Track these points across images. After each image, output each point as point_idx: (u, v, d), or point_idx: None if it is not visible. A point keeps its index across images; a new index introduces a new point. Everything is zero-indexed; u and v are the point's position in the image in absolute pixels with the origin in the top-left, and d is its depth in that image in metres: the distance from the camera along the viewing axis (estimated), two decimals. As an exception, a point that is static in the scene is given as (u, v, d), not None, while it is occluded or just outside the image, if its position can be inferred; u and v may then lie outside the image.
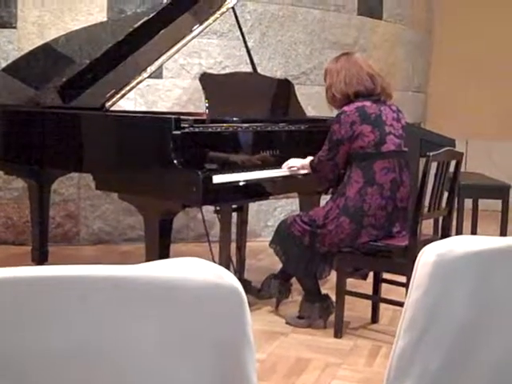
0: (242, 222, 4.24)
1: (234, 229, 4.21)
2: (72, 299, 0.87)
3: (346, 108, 3.38)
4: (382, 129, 3.36)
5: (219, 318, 0.91)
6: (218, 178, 3.22)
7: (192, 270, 0.91)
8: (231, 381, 0.93)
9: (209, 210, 4.19)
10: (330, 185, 3.70)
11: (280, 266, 3.74)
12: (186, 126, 3.27)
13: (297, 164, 3.61)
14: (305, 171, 3.59)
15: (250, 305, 0.96)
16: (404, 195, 3.40)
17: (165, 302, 0.89)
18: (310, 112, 4.99)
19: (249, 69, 4.39)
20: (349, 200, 3.33)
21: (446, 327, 1.03)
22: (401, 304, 3.31)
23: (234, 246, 4.21)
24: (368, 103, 3.38)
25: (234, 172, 3.41)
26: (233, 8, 4.06)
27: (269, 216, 5.77)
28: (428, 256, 1.04)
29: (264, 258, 4.91)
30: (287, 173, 3.62)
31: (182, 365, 0.90)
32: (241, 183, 3.39)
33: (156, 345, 0.89)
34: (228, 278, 0.91)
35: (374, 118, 3.35)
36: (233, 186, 3.35)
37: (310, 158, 3.56)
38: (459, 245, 1.04)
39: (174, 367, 0.90)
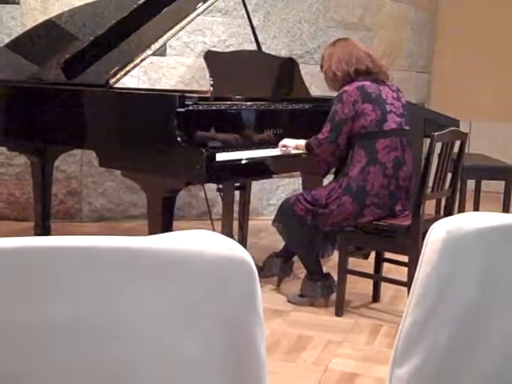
0: (245, 201, 4.24)
1: (236, 207, 4.21)
2: (81, 270, 0.87)
3: (346, 87, 3.38)
4: (383, 107, 3.36)
5: (230, 291, 0.91)
6: (221, 156, 3.22)
7: (204, 242, 0.92)
8: (241, 353, 0.93)
9: (211, 188, 4.20)
10: (329, 168, 3.68)
11: (282, 244, 3.75)
12: (191, 103, 3.26)
13: (291, 144, 3.59)
14: (298, 151, 3.57)
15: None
16: (406, 174, 3.40)
17: (175, 273, 0.89)
18: (314, 91, 4.97)
19: (253, 47, 4.37)
20: (351, 180, 3.33)
21: (455, 303, 1.04)
22: (402, 283, 3.33)
23: (236, 224, 4.22)
24: (367, 82, 3.39)
25: (237, 150, 3.41)
26: (238, -15, 4.04)
27: (271, 195, 5.78)
28: (438, 232, 1.04)
29: (266, 236, 4.92)
30: (279, 153, 3.60)
31: (192, 337, 0.90)
32: (244, 161, 3.38)
33: (165, 316, 0.89)
34: (239, 251, 0.92)
35: (374, 97, 3.35)
36: (236, 164, 3.35)
37: (303, 140, 3.53)
38: (469, 221, 1.04)
39: (184, 339, 0.90)
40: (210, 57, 3.65)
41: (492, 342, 1.06)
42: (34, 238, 0.86)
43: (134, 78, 5.09)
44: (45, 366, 0.87)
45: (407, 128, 3.46)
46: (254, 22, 4.44)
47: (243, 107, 3.62)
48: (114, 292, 0.88)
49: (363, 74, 3.42)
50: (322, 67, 3.60)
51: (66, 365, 0.88)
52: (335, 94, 3.52)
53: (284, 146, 3.59)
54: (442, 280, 1.04)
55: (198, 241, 0.92)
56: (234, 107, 3.58)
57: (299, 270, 3.79)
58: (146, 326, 0.89)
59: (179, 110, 3.19)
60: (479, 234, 1.04)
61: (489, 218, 1.06)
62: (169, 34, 3.72)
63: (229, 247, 0.92)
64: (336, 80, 3.48)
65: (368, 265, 3.74)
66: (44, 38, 4.34)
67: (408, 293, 2.92)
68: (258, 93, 3.86)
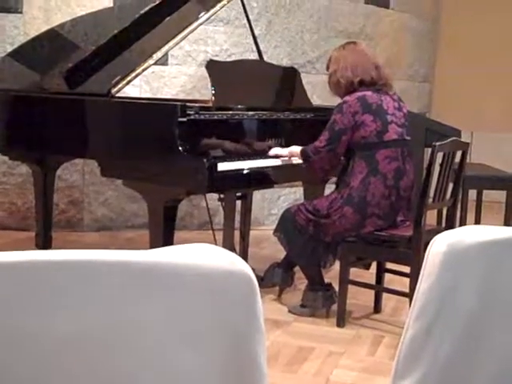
0: (246, 210, 4.24)
1: (237, 217, 4.21)
2: (83, 284, 0.87)
3: (347, 98, 3.37)
4: (384, 118, 3.36)
5: (231, 305, 0.91)
6: (222, 166, 3.22)
7: (204, 256, 0.91)
8: (242, 367, 0.93)
9: (212, 197, 4.19)
10: (325, 176, 3.67)
11: (283, 254, 3.75)
12: (192, 113, 3.26)
13: (283, 152, 3.59)
14: (296, 160, 3.57)
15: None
16: (407, 184, 3.39)
17: (176, 287, 0.89)
18: (315, 101, 4.98)
19: (255, 56, 4.38)
20: (353, 190, 3.33)
21: (456, 316, 1.04)
22: (404, 294, 3.32)
23: (237, 234, 4.21)
24: (369, 93, 3.38)
25: (238, 160, 3.41)
26: (240, -5, 4.05)
27: (272, 204, 5.78)
28: (439, 246, 1.04)
29: (267, 246, 4.92)
30: (280, 162, 3.59)
31: (193, 349, 0.90)
32: (245, 171, 3.39)
33: (166, 330, 0.89)
34: (240, 265, 0.91)
35: (375, 108, 3.35)
36: (237, 173, 3.35)
37: (297, 147, 3.53)
38: (470, 235, 1.04)
39: (185, 353, 0.90)
40: (212, 66, 3.66)
41: (493, 354, 1.05)
42: (37, 252, 0.86)
43: (136, 87, 5.10)
44: (48, 377, 0.87)
45: (408, 138, 3.46)
46: (256, 32, 4.45)
47: (245, 117, 3.62)
48: (116, 305, 0.88)
49: (367, 85, 3.41)
50: (328, 68, 3.59)
51: (67, 376, 0.88)
52: (336, 102, 3.52)
53: (276, 156, 3.58)
54: (443, 293, 1.04)
55: (198, 254, 0.92)
56: (236, 117, 3.58)
57: (300, 280, 3.79)
58: (147, 339, 0.89)
59: (181, 119, 3.19)
60: (480, 247, 1.04)
61: (490, 232, 1.06)
62: (171, 43, 3.72)
63: (230, 261, 0.92)
64: (339, 87, 3.48)
65: (369, 275, 3.73)
66: (46, 48, 4.35)
67: (410, 304, 2.92)
68: (260, 102, 3.87)
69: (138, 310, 0.88)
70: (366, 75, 3.42)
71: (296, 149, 3.53)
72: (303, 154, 3.46)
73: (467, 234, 1.04)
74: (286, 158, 3.59)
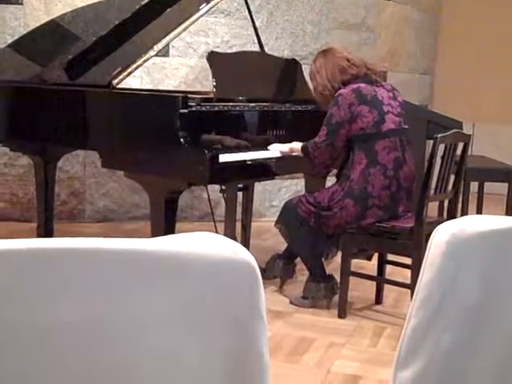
0: (248, 202, 4.24)
1: (238, 208, 4.21)
2: (85, 272, 0.87)
3: (342, 90, 3.37)
4: (380, 108, 3.36)
5: (233, 293, 0.91)
6: (224, 157, 3.22)
7: (207, 244, 0.91)
8: (244, 355, 0.93)
9: (214, 189, 4.19)
10: (327, 170, 3.67)
11: (284, 245, 3.74)
12: (193, 104, 3.26)
13: (284, 149, 3.58)
14: (297, 154, 3.56)
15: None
16: (408, 174, 3.39)
17: (178, 276, 0.89)
18: (317, 92, 4.96)
19: (256, 48, 4.37)
20: (353, 182, 3.33)
21: (458, 306, 1.04)
22: (405, 285, 3.33)
23: (238, 225, 4.21)
24: (363, 85, 3.39)
25: (240, 151, 3.40)
26: (241, -14, 4.04)
27: (274, 196, 5.78)
28: (441, 235, 1.03)
29: (269, 237, 4.92)
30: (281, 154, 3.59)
31: (195, 338, 0.90)
32: (247, 162, 3.38)
33: (169, 318, 0.89)
34: (242, 254, 0.91)
35: (370, 98, 3.35)
36: (239, 165, 3.35)
37: (298, 143, 3.52)
38: (473, 224, 1.04)
39: (187, 341, 0.90)
40: (213, 58, 3.65)
41: (496, 344, 1.05)
42: (40, 240, 0.86)
43: (137, 79, 5.10)
44: (49, 367, 0.87)
45: (406, 127, 3.46)
46: (257, 23, 4.44)
47: (246, 108, 3.62)
48: (118, 294, 0.88)
49: (355, 79, 3.42)
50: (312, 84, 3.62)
51: (69, 365, 0.88)
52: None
53: (282, 152, 3.58)
54: (445, 282, 1.04)
55: (200, 243, 0.92)
56: (237, 108, 3.58)
57: (302, 271, 3.79)
58: (149, 328, 0.89)
59: (182, 110, 3.19)
60: (483, 236, 1.04)
61: (492, 221, 1.06)
62: (172, 34, 3.72)
63: (232, 249, 0.92)
64: (326, 99, 3.48)
65: (371, 267, 3.74)
66: (47, 39, 4.34)
67: (411, 295, 2.92)
68: (261, 94, 3.86)
69: (140, 297, 0.88)
70: (344, 75, 3.43)
71: (297, 145, 3.53)
72: (304, 151, 3.46)
73: (469, 224, 1.04)
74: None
